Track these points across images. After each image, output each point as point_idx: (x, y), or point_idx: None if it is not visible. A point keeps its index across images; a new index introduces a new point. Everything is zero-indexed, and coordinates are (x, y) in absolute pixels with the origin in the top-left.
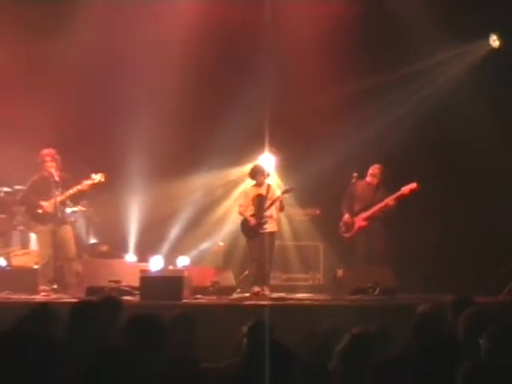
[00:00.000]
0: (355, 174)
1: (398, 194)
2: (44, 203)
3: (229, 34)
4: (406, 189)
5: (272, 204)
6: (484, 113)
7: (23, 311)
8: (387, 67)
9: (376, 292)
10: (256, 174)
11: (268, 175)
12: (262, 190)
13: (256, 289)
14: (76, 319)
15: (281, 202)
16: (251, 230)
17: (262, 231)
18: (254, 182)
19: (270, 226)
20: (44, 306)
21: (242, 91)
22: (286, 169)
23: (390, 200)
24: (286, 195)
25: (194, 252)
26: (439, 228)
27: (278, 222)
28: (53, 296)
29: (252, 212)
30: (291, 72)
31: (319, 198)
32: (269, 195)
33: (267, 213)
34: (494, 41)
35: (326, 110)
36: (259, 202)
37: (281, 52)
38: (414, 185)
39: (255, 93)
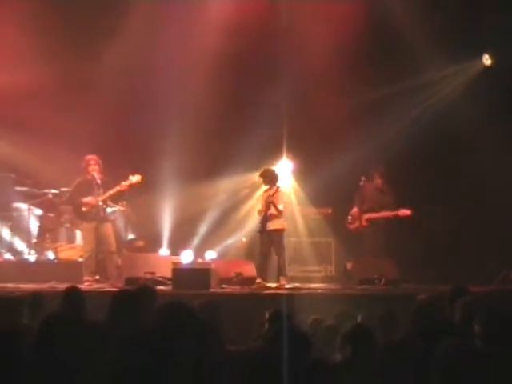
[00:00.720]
0: (363, 178)
1: (394, 213)
2: (86, 199)
3: (250, 51)
4: (401, 212)
5: (269, 204)
6: (479, 121)
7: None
8: (393, 82)
9: (381, 282)
10: (265, 177)
11: (277, 178)
12: (271, 192)
13: (258, 280)
14: (116, 306)
15: (273, 202)
16: (260, 227)
17: (267, 229)
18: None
19: (272, 224)
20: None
21: (263, 104)
22: (301, 173)
23: (388, 214)
24: (276, 198)
25: (220, 247)
26: (439, 226)
27: (287, 221)
28: (95, 286)
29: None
30: (307, 86)
31: (331, 198)
32: (274, 197)
33: (270, 212)
34: (487, 59)
35: (337, 121)
36: (266, 203)
37: (297, 68)
38: (408, 212)
39: (274, 105)
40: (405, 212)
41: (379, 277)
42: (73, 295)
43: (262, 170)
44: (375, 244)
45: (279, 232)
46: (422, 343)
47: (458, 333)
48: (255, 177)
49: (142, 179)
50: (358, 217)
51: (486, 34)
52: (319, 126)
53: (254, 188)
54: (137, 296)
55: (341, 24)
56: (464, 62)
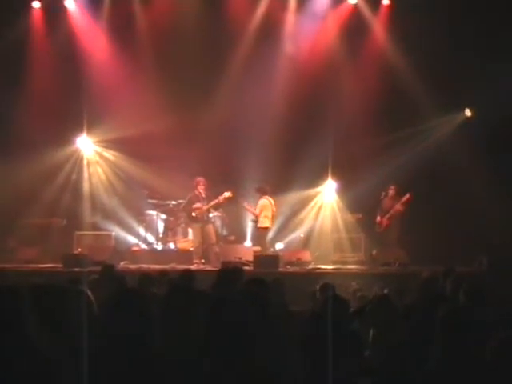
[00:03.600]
0: (383, 193)
1: (401, 201)
2: (195, 206)
3: (307, 104)
4: (404, 199)
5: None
6: (460, 159)
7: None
8: (401, 128)
9: (396, 265)
10: (259, 191)
11: (265, 193)
12: (261, 203)
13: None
14: (217, 280)
15: (262, 211)
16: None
17: (258, 227)
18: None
19: (260, 224)
20: (189, 272)
21: (315, 140)
22: (341, 190)
23: (397, 206)
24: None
25: (286, 240)
26: (436, 226)
27: (268, 222)
28: (201, 267)
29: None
30: (345, 129)
31: (361, 207)
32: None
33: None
34: (468, 112)
35: (365, 154)
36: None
37: (339, 116)
38: (407, 196)
39: (323, 139)
40: (406, 197)
41: (395, 261)
42: (186, 274)
43: (257, 186)
44: (391, 239)
45: (263, 229)
46: (425, 307)
47: (449, 300)
48: (308, 192)
49: (233, 194)
50: (381, 222)
51: (468, 93)
52: (353, 157)
53: (308, 200)
54: (230, 273)
55: (369, 89)
56: (451, 113)
